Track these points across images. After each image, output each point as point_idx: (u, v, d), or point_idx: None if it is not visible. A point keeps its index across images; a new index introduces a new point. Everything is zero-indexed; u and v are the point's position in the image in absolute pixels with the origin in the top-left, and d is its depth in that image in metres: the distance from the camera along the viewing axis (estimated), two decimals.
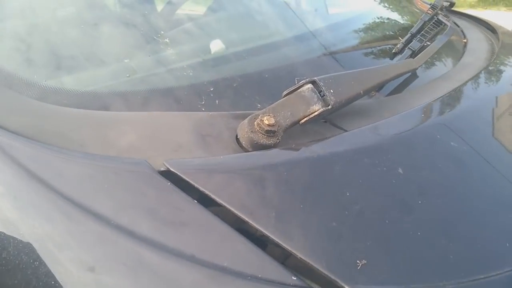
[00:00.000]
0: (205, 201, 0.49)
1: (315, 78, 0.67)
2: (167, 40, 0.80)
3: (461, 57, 1.27)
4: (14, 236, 0.45)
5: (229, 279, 0.41)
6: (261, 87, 0.80)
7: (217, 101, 0.73)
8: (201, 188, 0.48)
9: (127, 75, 0.72)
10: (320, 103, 0.66)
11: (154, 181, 0.49)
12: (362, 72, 0.79)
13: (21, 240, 0.45)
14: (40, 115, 0.57)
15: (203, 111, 0.70)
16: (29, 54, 0.68)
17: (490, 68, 1.09)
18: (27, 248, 0.45)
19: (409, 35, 1.18)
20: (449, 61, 1.25)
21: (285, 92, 0.67)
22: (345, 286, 0.42)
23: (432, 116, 0.76)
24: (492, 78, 1.06)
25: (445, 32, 1.26)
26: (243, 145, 0.62)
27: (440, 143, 0.66)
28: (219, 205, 0.49)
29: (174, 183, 0.50)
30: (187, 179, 0.49)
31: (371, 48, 1.15)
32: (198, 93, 0.72)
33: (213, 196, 0.47)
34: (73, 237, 0.44)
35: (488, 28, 1.60)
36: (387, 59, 1.07)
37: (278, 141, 0.62)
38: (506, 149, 0.73)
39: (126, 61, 0.73)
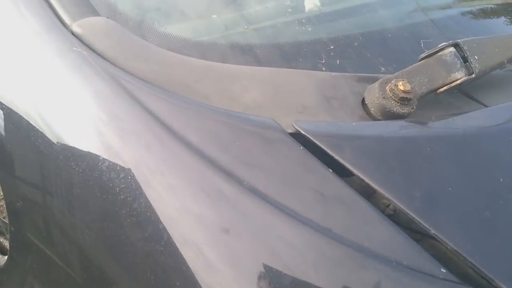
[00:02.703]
0: (336, 170, 0.45)
1: (459, 41, 0.59)
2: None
3: None
4: (140, 187, 0.44)
5: (372, 262, 0.37)
6: (384, 48, 0.72)
7: (338, 61, 0.67)
8: (337, 156, 0.44)
9: (246, 26, 0.68)
10: (463, 70, 0.58)
11: (284, 143, 0.46)
12: (506, 38, 0.68)
13: (152, 197, 0.44)
14: (166, 63, 0.55)
15: (323, 70, 0.64)
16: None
17: None
18: (157, 206, 0.43)
19: None
20: None
21: (422, 55, 0.59)
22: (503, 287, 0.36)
23: None
24: None
25: None
26: (372, 111, 0.56)
27: None
28: (352, 175, 0.45)
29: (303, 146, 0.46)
30: (319, 144, 0.45)
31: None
32: (318, 51, 0.67)
33: (351, 167, 0.43)
34: (198, 191, 0.42)
35: None
36: None
37: (412, 110, 0.55)
38: None
39: (244, 12, 0.69)
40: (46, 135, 0.53)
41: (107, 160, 0.46)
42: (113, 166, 0.46)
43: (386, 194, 0.41)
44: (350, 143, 0.47)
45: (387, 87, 0.55)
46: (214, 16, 0.68)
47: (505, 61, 0.64)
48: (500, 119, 0.55)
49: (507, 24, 0.93)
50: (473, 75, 0.58)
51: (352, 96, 0.58)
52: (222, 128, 0.46)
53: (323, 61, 0.65)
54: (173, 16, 0.68)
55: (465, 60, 0.59)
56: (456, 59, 0.58)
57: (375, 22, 0.75)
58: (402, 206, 0.40)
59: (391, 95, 0.55)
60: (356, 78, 0.61)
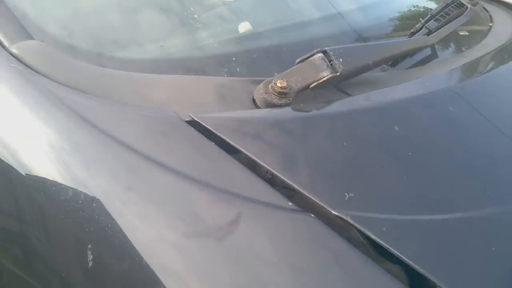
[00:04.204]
0: (225, 147, 0.59)
1: (326, 48, 0.75)
2: (196, 16, 0.90)
3: (482, 39, 1.30)
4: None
5: (237, 201, 0.51)
6: (278, 58, 0.88)
7: (238, 69, 0.82)
8: (219, 134, 0.58)
9: (161, 44, 0.83)
10: (329, 70, 0.74)
11: (179, 127, 0.59)
12: (372, 46, 0.86)
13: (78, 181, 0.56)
14: (91, 76, 0.69)
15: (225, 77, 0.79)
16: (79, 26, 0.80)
17: (505, 47, 1.13)
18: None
19: (429, 15, 1.22)
20: (468, 42, 1.28)
21: (298, 60, 0.75)
22: (332, 211, 0.51)
23: (432, 85, 0.82)
24: (506, 56, 1.10)
25: (464, 13, 1.30)
26: (258, 104, 0.71)
27: (437, 107, 0.73)
28: (237, 150, 0.59)
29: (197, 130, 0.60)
30: (207, 126, 0.59)
31: (391, 27, 1.20)
32: (222, 63, 0.82)
33: (230, 141, 0.57)
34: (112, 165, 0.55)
35: None
36: (405, 37, 1.12)
37: (289, 101, 0.70)
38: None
39: (157, 32, 0.84)
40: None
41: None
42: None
43: (255, 157, 0.56)
44: (231, 125, 0.61)
45: (269, 86, 0.71)
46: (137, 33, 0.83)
47: (370, 63, 0.82)
48: (354, 104, 0.72)
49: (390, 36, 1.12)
50: (338, 73, 0.74)
51: (245, 95, 0.73)
52: (135, 121, 0.60)
53: (226, 70, 0.81)
54: (94, 36, 0.81)
55: (332, 63, 0.75)
56: (323, 62, 0.74)
57: (273, 40, 0.92)
58: (266, 165, 0.55)
59: (271, 91, 0.70)
60: (250, 81, 0.76)
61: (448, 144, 0.69)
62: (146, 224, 0.50)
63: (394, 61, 1.00)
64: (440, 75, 0.88)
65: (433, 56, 1.09)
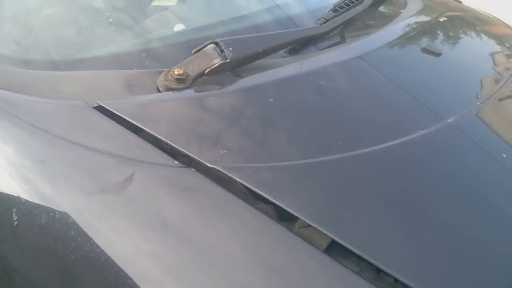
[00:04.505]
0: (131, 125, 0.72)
1: (218, 39, 0.89)
2: (111, 20, 1.02)
3: (383, 26, 1.47)
4: None
5: (132, 163, 0.64)
6: (185, 53, 1.02)
7: (147, 63, 0.95)
8: (121, 115, 0.71)
9: (77, 46, 0.95)
10: (220, 57, 0.88)
11: (87, 112, 0.72)
12: (262, 36, 1.01)
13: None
14: (14, 76, 0.80)
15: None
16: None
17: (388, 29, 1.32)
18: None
19: (332, 6, 1.38)
20: (367, 29, 1.46)
21: (193, 51, 0.89)
22: (207, 164, 0.65)
23: (305, 68, 0.98)
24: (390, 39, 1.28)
25: (362, 3, 1.47)
26: (160, 91, 0.84)
27: (308, 82, 0.90)
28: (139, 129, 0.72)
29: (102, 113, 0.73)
30: (111, 110, 0.72)
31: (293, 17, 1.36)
32: (133, 58, 0.95)
33: (130, 120, 0.70)
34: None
35: None
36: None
37: (186, 86, 0.84)
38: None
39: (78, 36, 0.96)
40: None
41: None
42: None
43: (147, 128, 0.69)
44: (133, 107, 0.75)
45: (169, 74, 0.84)
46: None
47: (260, 51, 0.97)
48: (240, 84, 0.86)
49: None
50: (228, 60, 0.88)
51: (151, 84, 0.86)
52: (49, 109, 0.72)
53: (136, 64, 0.93)
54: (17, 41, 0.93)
55: (222, 51, 0.89)
56: (215, 51, 0.88)
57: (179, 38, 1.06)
58: (155, 133, 0.68)
59: (170, 78, 0.83)
60: (156, 72, 0.89)
61: (316, 104, 0.85)
62: (56, 187, 0.62)
63: (292, 48, 1.15)
64: (315, 57, 1.04)
65: (329, 43, 1.25)
